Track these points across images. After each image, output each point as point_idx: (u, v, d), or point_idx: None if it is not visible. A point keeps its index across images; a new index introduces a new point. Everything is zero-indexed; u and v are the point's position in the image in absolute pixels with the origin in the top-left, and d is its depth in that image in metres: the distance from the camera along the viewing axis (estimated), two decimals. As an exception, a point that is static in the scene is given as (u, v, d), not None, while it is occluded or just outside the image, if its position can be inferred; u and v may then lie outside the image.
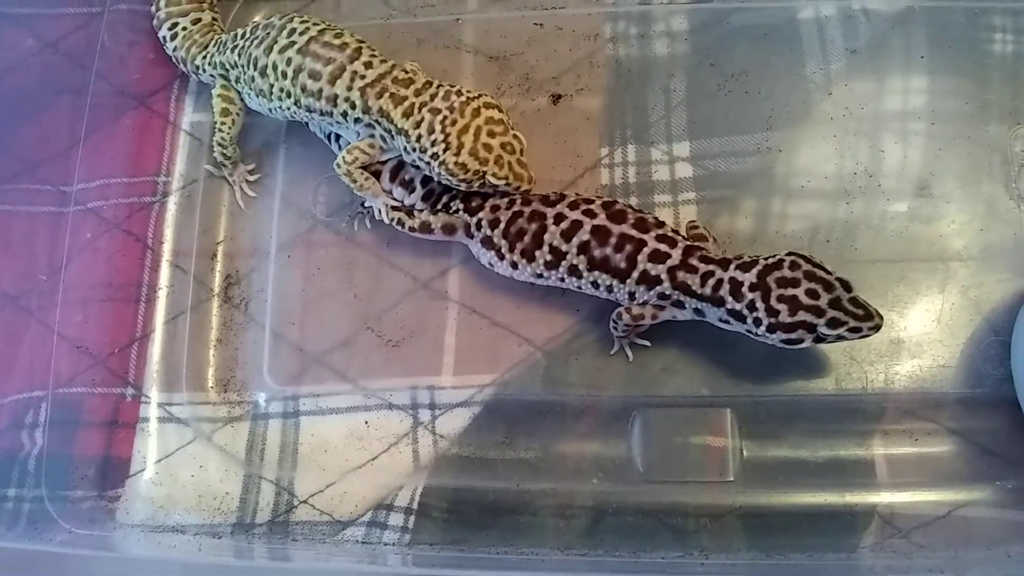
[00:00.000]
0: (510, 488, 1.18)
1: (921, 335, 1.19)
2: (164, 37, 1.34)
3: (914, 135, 1.29)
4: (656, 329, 1.18)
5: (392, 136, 1.18)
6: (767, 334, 1.08)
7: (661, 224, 1.15)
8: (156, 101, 1.38)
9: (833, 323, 1.06)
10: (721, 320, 1.12)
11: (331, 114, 1.19)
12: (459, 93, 1.16)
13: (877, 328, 1.07)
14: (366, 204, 1.26)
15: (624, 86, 1.34)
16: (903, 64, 1.33)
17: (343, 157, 1.21)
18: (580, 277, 1.15)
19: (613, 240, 1.12)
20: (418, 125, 1.15)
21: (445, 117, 1.14)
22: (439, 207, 1.22)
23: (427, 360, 1.24)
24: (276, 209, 1.32)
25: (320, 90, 1.17)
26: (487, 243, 1.18)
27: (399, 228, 1.24)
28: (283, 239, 1.30)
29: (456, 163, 1.13)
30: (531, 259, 1.16)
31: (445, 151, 1.13)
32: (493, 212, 1.18)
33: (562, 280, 1.16)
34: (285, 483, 1.20)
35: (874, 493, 1.15)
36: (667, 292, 1.12)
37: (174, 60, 1.34)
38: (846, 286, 1.07)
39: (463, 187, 1.16)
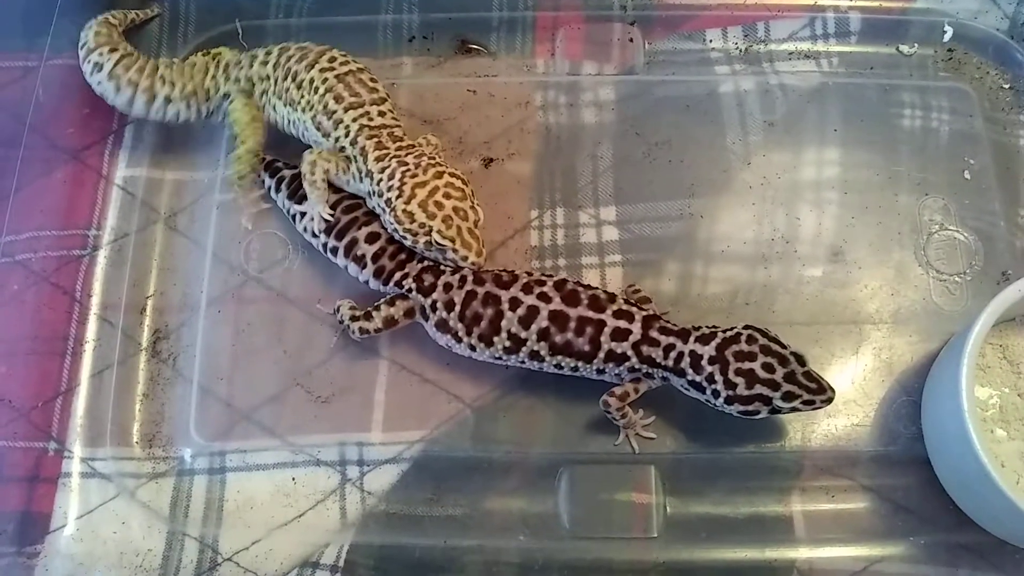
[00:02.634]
0: (437, 545, 1.18)
1: (837, 395, 1.23)
2: (167, 96, 1.33)
3: (828, 204, 1.35)
4: (582, 386, 1.20)
5: (361, 177, 1.22)
6: (725, 405, 1.11)
7: (613, 298, 1.17)
8: (90, 155, 1.38)
9: (788, 396, 1.09)
10: (683, 388, 1.15)
11: (328, 135, 1.25)
12: (431, 158, 1.21)
13: (829, 401, 1.11)
14: (304, 213, 1.27)
15: (553, 152, 1.39)
16: (817, 137, 1.40)
17: (321, 153, 1.24)
18: (542, 361, 1.16)
19: (572, 324, 1.14)
20: (383, 171, 1.19)
21: (408, 170, 1.19)
22: (391, 284, 1.22)
23: (356, 416, 1.24)
24: (207, 264, 1.32)
25: (334, 111, 1.25)
26: (442, 326, 1.19)
27: (359, 336, 1.22)
28: (214, 294, 1.30)
29: (404, 211, 1.16)
30: (489, 344, 1.17)
31: (397, 198, 1.17)
32: (446, 292, 1.18)
33: (523, 363, 1.18)
34: (209, 540, 1.18)
35: (793, 549, 1.17)
36: (636, 367, 1.14)
37: (183, 99, 1.32)
38: (800, 360, 1.11)
39: (409, 241, 1.18)
